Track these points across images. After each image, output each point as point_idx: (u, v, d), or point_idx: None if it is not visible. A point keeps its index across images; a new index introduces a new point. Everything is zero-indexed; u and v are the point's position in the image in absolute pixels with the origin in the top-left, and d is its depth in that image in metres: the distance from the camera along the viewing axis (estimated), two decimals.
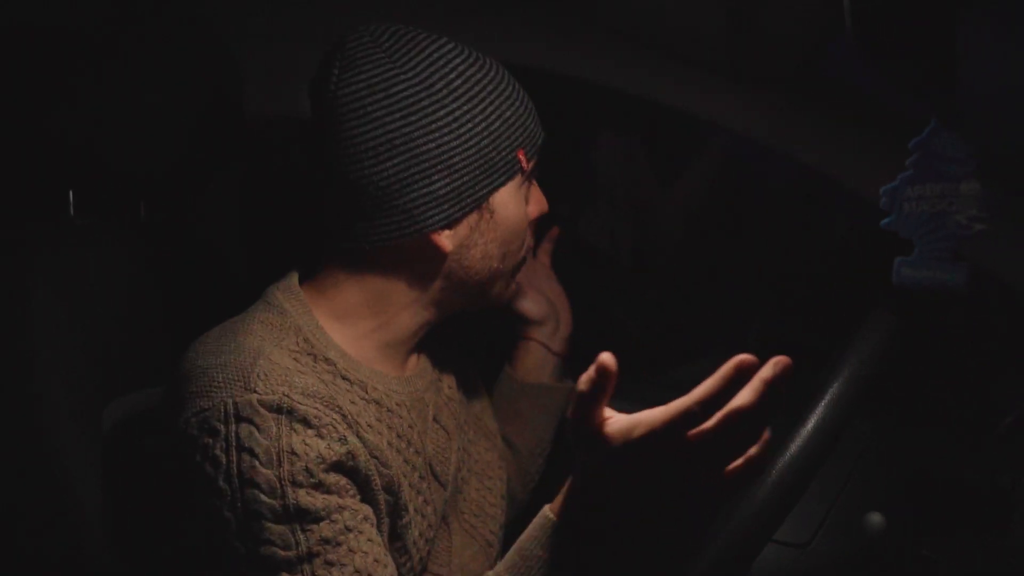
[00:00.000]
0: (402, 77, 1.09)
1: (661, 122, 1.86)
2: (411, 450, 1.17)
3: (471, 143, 1.11)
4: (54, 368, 1.15)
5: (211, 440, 1.01)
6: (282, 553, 1.00)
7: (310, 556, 1.00)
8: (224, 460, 1.00)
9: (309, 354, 1.11)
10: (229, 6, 1.51)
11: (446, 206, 1.11)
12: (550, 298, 1.47)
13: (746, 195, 1.81)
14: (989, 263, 1.27)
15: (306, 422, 1.02)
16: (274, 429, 1.00)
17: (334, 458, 1.03)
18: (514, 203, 1.17)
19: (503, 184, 1.15)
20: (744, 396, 0.84)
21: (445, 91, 1.10)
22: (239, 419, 1.01)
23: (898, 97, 1.31)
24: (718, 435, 0.85)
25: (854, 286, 1.47)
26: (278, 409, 1.01)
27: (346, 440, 1.04)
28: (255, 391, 1.01)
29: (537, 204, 1.23)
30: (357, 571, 1.01)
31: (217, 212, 1.52)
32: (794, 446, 1.13)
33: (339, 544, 1.01)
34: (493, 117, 1.12)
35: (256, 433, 1.00)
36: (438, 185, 1.10)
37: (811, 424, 1.13)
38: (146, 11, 1.30)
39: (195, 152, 1.32)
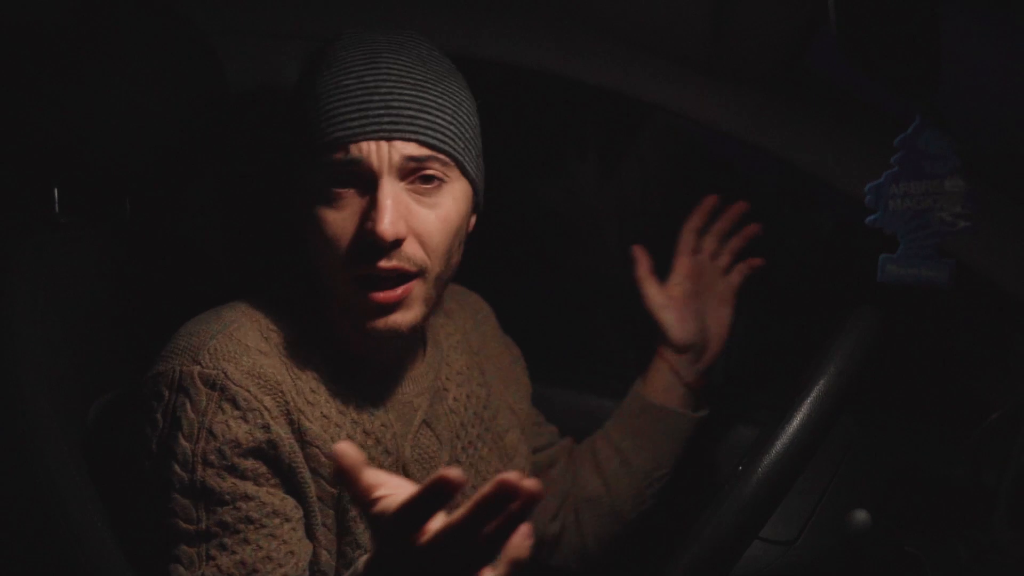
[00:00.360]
0: (312, 55, 1.15)
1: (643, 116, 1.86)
2: (379, 448, 1.17)
3: (292, 116, 1.14)
4: (37, 367, 1.14)
5: (155, 403, 1.06)
6: (183, 524, 1.04)
7: (207, 535, 1.04)
8: (160, 424, 1.05)
9: (290, 337, 1.13)
10: (213, 3, 1.50)
11: (285, 175, 1.15)
12: (707, 324, 1.39)
13: (730, 193, 1.81)
14: (973, 260, 1.27)
15: (234, 403, 1.05)
16: (203, 404, 1.05)
17: (251, 444, 1.05)
18: (314, 200, 1.10)
19: (301, 172, 1.12)
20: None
21: (312, 70, 1.13)
22: (180, 388, 1.05)
23: (883, 94, 1.31)
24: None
25: (839, 283, 1.47)
26: (212, 385, 1.05)
27: (269, 428, 1.06)
28: (199, 363, 1.06)
29: (358, 220, 1.08)
30: (242, 563, 1.04)
31: (200, 210, 1.51)
32: (779, 444, 1.13)
33: (236, 532, 1.04)
34: (318, 96, 1.10)
35: (188, 405, 1.05)
36: (285, 148, 1.15)
37: (796, 422, 1.13)
38: (129, 8, 1.29)
39: (178, 150, 1.31)
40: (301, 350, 1.13)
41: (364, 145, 1.08)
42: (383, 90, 1.08)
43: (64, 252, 1.23)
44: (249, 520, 1.05)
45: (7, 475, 1.13)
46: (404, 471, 1.20)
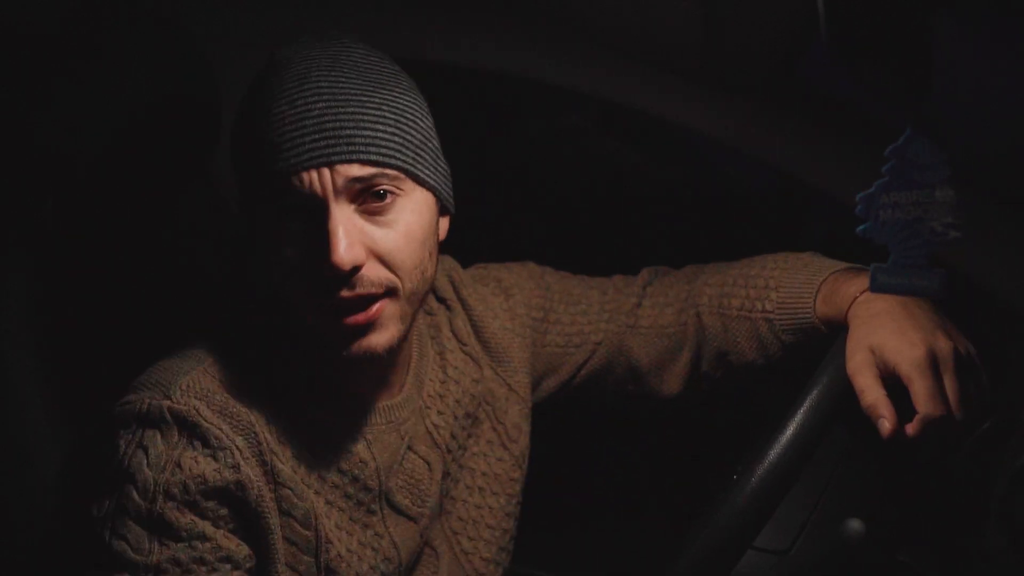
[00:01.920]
0: (252, 84, 1.11)
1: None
2: (356, 485, 1.15)
3: (233, 152, 1.10)
4: (29, 374, 1.14)
5: (121, 431, 1.04)
6: (131, 554, 1.01)
7: (156, 569, 1.00)
8: (122, 451, 1.03)
9: (266, 374, 1.10)
10: (206, 10, 1.50)
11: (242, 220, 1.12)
12: None
13: (724, 201, 1.82)
14: (966, 268, 1.27)
15: (204, 440, 1.03)
16: (174, 438, 1.02)
17: (218, 483, 1.03)
18: (268, 234, 1.07)
19: (251, 205, 1.09)
20: None
21: (247, 100, 1.09)
22: (148, 421, 1.03)
23: (874, 103, 1.31)
24: None
25: None
26: (183, 422, 1.03)
27: (239, 469, 1.04)
28: (170, 398, 1.04)
29: (313, 251, 1.04)
30: None
31: (192, 217, 1.51)
32: (773, 453, 1.13)
33: (188, 572, 1.01)
34: (254, 127, 1.06)
35: (158, 437, 1.03)
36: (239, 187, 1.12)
37: (790, 431, 1.13)
38: (121, 15, 1.29)
39: (170, 155, 1.31)
40: (277, 388, 1.11)
41: (304, 175, 1.03)
42: (315, 112, 1.03)
43: (56, 258, 1.23)
44: (203, 562, 1.02)
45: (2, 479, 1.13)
46: (388, 502, 1.18)
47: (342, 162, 1.03)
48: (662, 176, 1.95)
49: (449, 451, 1.26)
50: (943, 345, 1.08)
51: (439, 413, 1.26)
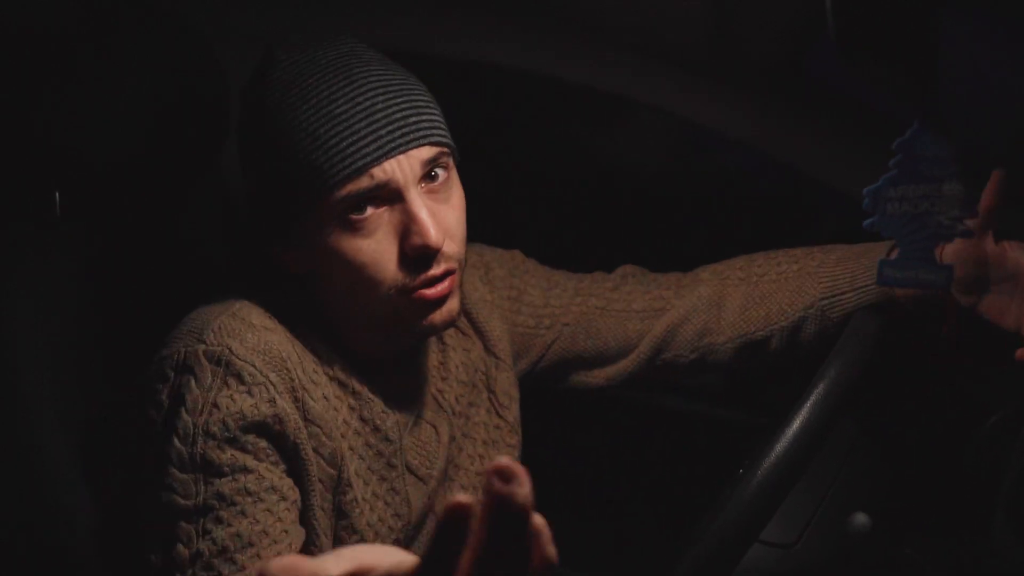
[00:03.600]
0: (263, 103, 1.10)
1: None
2: (378, 435, 1.18)
3: (278, 161, 1.09)
4: (38, 368, 1.15)
5: (160, 385, 1.06)
6: (182, 501, 1.03)
7: (205, 508, 1.03)
8: (164, 405, 1.05)
9: (293, 322, 1.13)
10: (219, 9, 1.51)
11: (266, 223, 1.13)
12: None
13: (729, 196, 1.81)
14: None
15: (239, 378, 1.05)
16: (208, 380, 1.04)
17: (256, 418, 1.05)
18: (334, 235, 1.08)
19: (305, 207, 1.08)
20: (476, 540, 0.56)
21: (276, 113, 1.09)
22: (184, 368, 1.05)
23: (881, 98, 1.31)
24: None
25: None
26: (217, 361, 1.05)
27: (275, 403, 1.06)
28: (204, 342, 1.06)
29: (394, 238, 1.08)
30: (238, 535, 1.02)
31: (201, 212, 1.51)
32: (779, 447, 1.13)
33: (233, 504, 1.03)
34: (313, 134, 1.06)
35: (193, 382, 1.04)
36: (263, 201, 1.13)
37: (796, 425, 1.14)
38: (132, 14, 1.29)
39: (179, 152, 1.31)
40: (303, 334, 1.13)
41: (387, 165, 1.06)
42: (380, 104, 1.07)
43: (63, 252, 1.24)
44: (247, 492, 1.04)
45: (8, 475, 1.13)
46: (405, 460, 1.21)
47: (416, 146, 1.07)
48: (665, 171, 1.95)
49: (454, 415, 1.28)
50: None
51: (443, 379, 1.28)
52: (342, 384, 1.15)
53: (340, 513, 1.14)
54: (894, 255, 1.13)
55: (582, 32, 1.46)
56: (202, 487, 1.03)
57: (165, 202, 1.38)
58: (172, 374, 1.06)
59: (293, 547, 1.07)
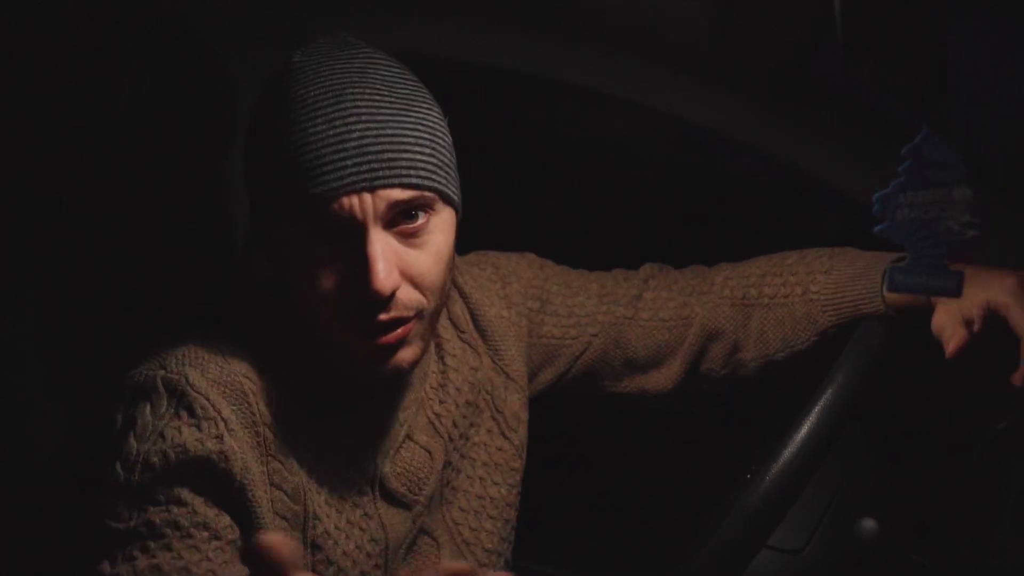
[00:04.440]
0: (266, 96, 1.08)
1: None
2: (351, 465, 1.15)
3: (258, 161, 1.07)
4: (35, 367, 1.15)
5: (117, 404, 1.05)
6: (113, 524, 1.01)
7: (135, 535, 1.01)
8: (116, 426, 1.04)
9: (268, 348, 1.10)
10: (224, 11, 1.51)
11: (253, 228, 1.10)
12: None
13: (736, 200, 1.82)
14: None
15: (191, 410, 1.03)
16: (162, 409, 1.03)
17: (200, 453, 1.02)
18: (297, 254, 1.04)
19: (277, 222, 1.05)
20: None
21: (270, 113, 1.06)
22: (141, 392, 1.04)
23: (889, 102, 1.31)
24: None
25: None
26: (172, 390, 1.03)
27: (223, 440, 1.03)
28: (164, 368, 1.05)
29: (347, 275, 1.03)
30: (158, 568, 0.99)
31: (203, 214, 1.51)
32: (787, 452, 1.13)
33: (161, 535, 1.00)
34: (284, 147, 1.02)
35: (147, 408, 1.03)
36: (250, 196, 1.10)
37: (804, 430, 1.13)
38: (139, 16, 1.29)
39: (184, 153, 1.31)
40: (276, 366, 1.10)
41: (345, 200, 1.00)
42: (355, 134, 1.01)
43: (70, 255, 1.24)
44: (176, 525, 1.00)
45: (12, 478, 1.14)
46: (381, 486, 1.18)
47: (385, 187, 1.01)
48: (672, 174, 1.94)
49: (451, 440, 1.25)
50: None
51: (441, 402, 1.25)
52: (314, 411, 1.12)
53: (314, 547, 1.11)
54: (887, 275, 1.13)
55: (584, 33, 1.46)
56: (135, 513, 1.01)
57: (166, 203, 1.38)
58: (129, 395, 1.05)
59: None
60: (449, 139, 1.11)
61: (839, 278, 1.25)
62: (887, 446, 1.33)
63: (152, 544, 1.00)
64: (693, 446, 1.73)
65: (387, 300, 1.03)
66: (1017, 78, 1.34)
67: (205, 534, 1.02)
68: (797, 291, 1.27)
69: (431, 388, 1.25)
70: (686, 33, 1.38)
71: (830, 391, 1.16)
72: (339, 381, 1.14)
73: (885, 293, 1.20)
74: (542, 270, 1.37)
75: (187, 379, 1.03)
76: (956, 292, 1.04)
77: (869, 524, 1.18)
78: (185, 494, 1.02)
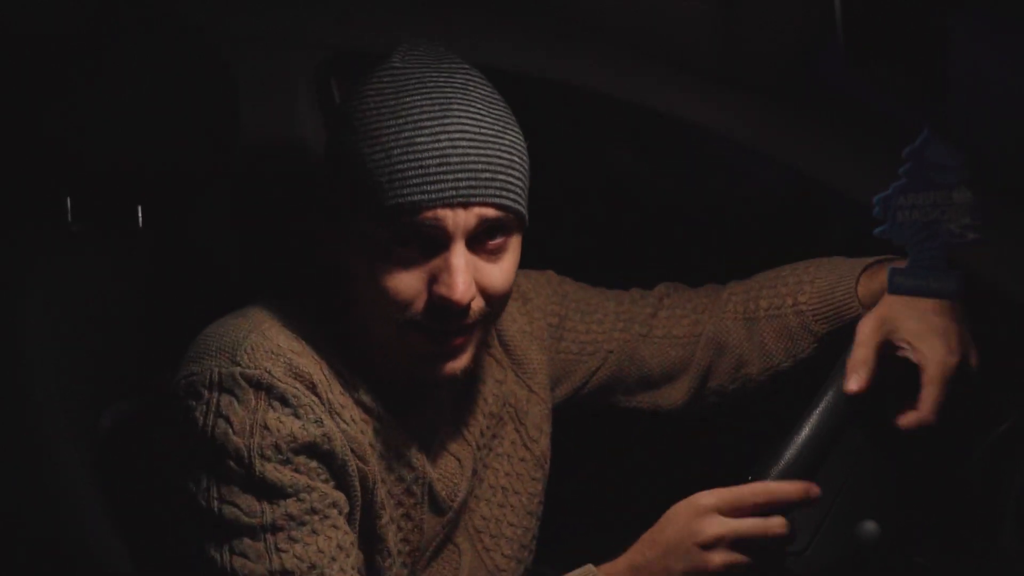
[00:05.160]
0: (367, 92, 1.09)
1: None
2: (401, 462, 1.17)
3: (354, 156, 1.08)
4: (50, 372, 1.15)
5: (194, 403, 1.05)
6: (245, 519, 1.03)
7: (274, 528, 1.03)
8: (201, 423, 1.04)
9: (316, 341, 1.12)
10: (225, 12, 1.51)
11: (327, 217, 1.12)
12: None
13: (739, 203, 1.81)
14: (982, 270, 1.27)
15: (284, 400, 1.04)
16: (252, 402, 1.03)
17: (307, 439, 1.04)
18: (375, 255, 1.07)
19: (358, 223, 1.08)
20: None
21: (373, 112, 1.07)
22: (221, 389, 1.04)
23: (891, 104, 1.31)
24: None
25: None
26: (258, 384, 1.04)
27: (322, 423, 1.06)
28: (239, 364, 1.05)
29: (425, 280, 1.07)
30: (321, 551, 1.03)
31: (212, 217, 1.51)
32: (788, 453, 1.13)
33: (303, 524, 1.04)
34: (387, 151, 1.05)
35: (235, 403, 1.03)
36: (328, 180, 1.11)
37: (805, 432, 1.13)
38: (141, 17, 1.29)
39: (190, 157, 1.31)
40: (328, 356, 1.12)
41: (440, 211, 1.04)
42: (459, 151, 1.04)
43: (76, 258, 1.24)
44: (314, 511, 1.04)
45: (19, 476, 1.14)
46: (429, 489, 1.21)
47: (480, 204, 1.05)
48: (675, 180, 1.94)
49: (478, 448, 1.28)
50: (972, 364, 1.12)
51: (469, 412, 1.28)
52: (367, 408, 1.14)
53: (376, 536, 1.14)
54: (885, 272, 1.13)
55: (585, 35, 1.46)
56: (266, 506, 1.03)
57: (174, 205, 1.38)
58: (206, 393, 1.04)
59: (360, 556, 1.09)
60: (528, 162, 1.14)
61: (821, 287, 1.28)
62: (888, 448, 1.33)
63: (298, 533, 1.03)
64: (697, 448, 1.73)
65: (464, 309, 1.05)
66: (1018, 78, 1.34)
67: (335, 511, 1.06)
68: (788, 302, 1.30)
69: (459, 398, 1.28)
70: (687, 33, 1.38)
71: (832, 393, 1.16)
72: (381, 384, 1.16)
73: (862, 297, 1.23)
74: (561, 287, 1.41)
75: (269, 372, 1.05)
76: (956, 294, 1.04)
77: (871, 526, 1.18)
78: (309, 481, 1.05)
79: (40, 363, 1.15)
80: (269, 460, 1.03)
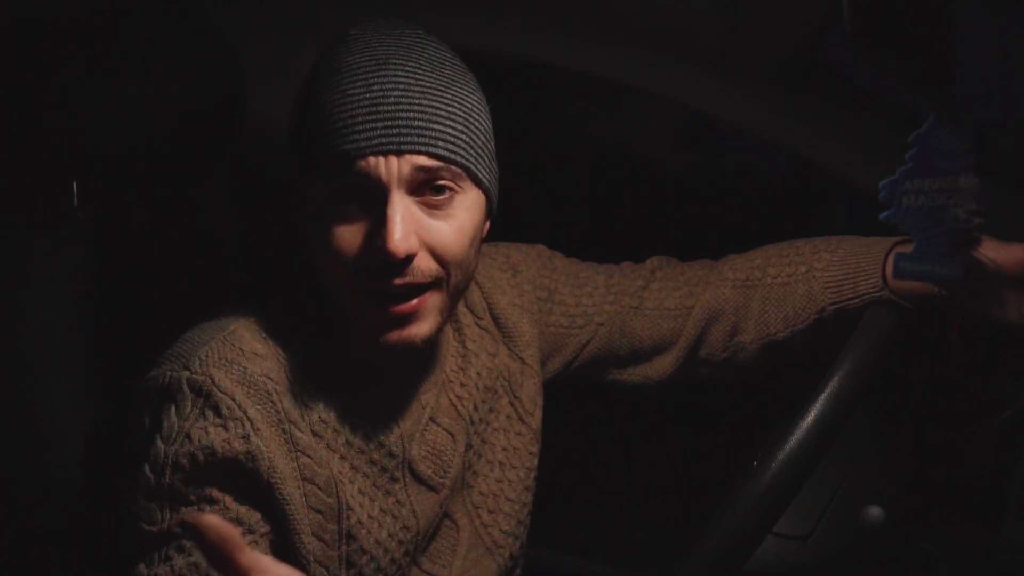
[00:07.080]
0: (319, 60, 1.12)
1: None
2: (381, 451, 1.16)
3: (297, 119, 1.10)
4: (50, 360, 1.16)
5: (143, 407, 1.06)
6: (145, 526, 1.03)
7: (168, 536, 1.02)
8: (143, 427, 1.05)
9: (292, 341, 1.11)
10: (228, 2, 1.51)
11: (293, 192, 1.12)
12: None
13: (744, 190, 1.81)
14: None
15: (217, 410, 1.04)
16: (187, 409, 1.04)
17: (227, 453, 1.03)
18: (320, 214, 1.07)
19: (306, 183, 1.08)
20: None
21: (317, 73, 1.10)
22: (166, 394, 1.05)
23: (896, 91, 1.31)
24: None
25: None
26: (199, 391, 1.04)
27: (249, 440, 1.04)
28: (189, 369, 1.05)
29: (366, 236, 1.05)
30: (195, 565, 1.00)
31: (217, 206, 1.52)
32: (794, 439, 1.13)
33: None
34: (321, 105, 1.06)
35: (172, 409, 1.04)
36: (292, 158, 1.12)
37: (811, 418, 1.14)
38: (144, 6, 1.30)
39: (195, 145, 1.32)
40: (302, 354, 1.11)
41: (372, 159, 1.04)
42: (391, 99, 1.04)
43: (80, 243, 1.24)
44: None
45: (22, 460, 1.15)
46: (410, 470, 1.19)
47: (411, 152, 1.04)
48: (679, 164, 1.94)
49: (472, 423, 1.27)
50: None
51: (462, 385, 1.27)
52: (341, 401, 1.13)
53: (349, 538, 1.12)
54: (893, 256, 1.12)
55: (593, 22, 1.46)
56: (166, 514, 1.02)
57: (179, 194, 1.39)
58: (155, 397, 1.06)
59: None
60: (487, 125, 1.13)
61: (844, 255, 1.25)
62: (893, 433, 1.34)
63: (188, 543, 1.01)
64: (700, 432, 1.73)
65: (403, 263, 1.05)
66: (1021, 64, 1.34)
67: (239, 529, 1.01)
68: (801, 269, 1.28)
69: (451, 371, 1.27)
70: (696, 22, 1.38)
71: (837, 378, 1.16)
72: (359, 362, 1.15)
73: (888, 273, 1.20)
74: (551, 261, 1.39)
75: (213, 379, 1.04)
76: (960, 280, 1.04)
77: (875, 511, 1.18)
78: (215, 493, 1.03)
79: (41, 350, 1.15)
80: (182, 470, 1.02)
